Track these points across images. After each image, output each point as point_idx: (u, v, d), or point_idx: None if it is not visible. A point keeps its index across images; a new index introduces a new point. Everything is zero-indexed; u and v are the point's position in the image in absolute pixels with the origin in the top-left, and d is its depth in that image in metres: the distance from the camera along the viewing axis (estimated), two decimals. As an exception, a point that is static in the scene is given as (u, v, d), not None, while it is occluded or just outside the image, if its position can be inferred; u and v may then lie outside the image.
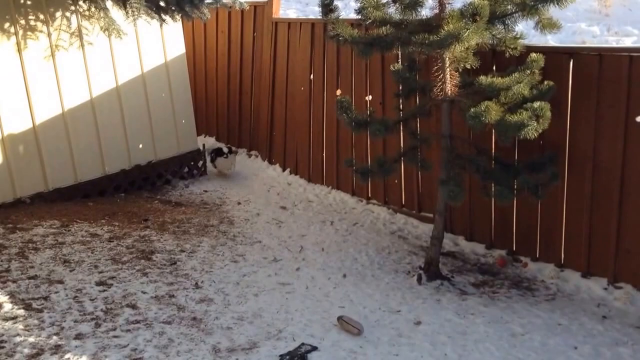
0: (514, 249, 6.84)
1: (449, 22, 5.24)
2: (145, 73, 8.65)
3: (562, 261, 6.44)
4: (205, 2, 7.20)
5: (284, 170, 9.67)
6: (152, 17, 6.99)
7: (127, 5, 6.49)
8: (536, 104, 5.27)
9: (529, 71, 5.61)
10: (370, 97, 8.03)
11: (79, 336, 4.89)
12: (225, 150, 9.55)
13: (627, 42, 10.92)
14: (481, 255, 6.99)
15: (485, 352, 4.97)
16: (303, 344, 4.99)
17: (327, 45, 8.50)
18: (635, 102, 5.70)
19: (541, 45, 6.14)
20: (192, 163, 9.55)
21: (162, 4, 7.10)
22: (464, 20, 5.14)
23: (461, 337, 5.19)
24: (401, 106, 7.10)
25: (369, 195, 8.44)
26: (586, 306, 5.82)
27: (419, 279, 6.28)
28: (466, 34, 5.06)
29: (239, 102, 10.41)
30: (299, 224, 7.81)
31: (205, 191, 9.08)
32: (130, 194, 8.67)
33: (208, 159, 9.66)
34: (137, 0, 6.36)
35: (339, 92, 8.38)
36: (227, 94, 10.60)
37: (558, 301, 5.93)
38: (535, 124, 5.25)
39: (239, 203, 8.57)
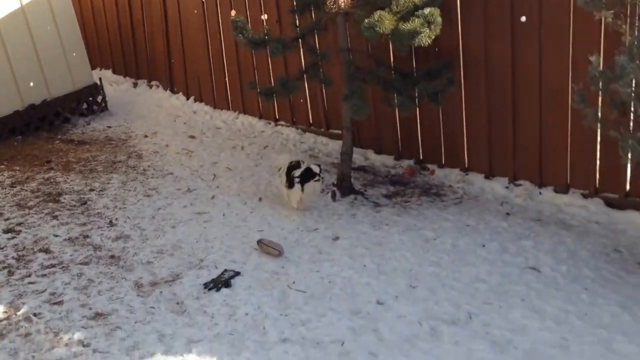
0: (421, 158, 7.07)
1: None
2: (24, 5, 8.12)
3: (467, 165, 6.72)
4: None
5: (187, 98, 9.47)
6: None
7: None
8: (427, 10, 5.33)
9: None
10: (266, 15, 7.88)
11: (-8, 286, 4.77)
12: (317, 169, 6.00)
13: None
14: (391, 167, 7.18)
15: (401, 259, 5.20)
16: (226, 270, 5.07)
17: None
18: (518, 2, 5.87)
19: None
20: (91, 99, 9.20)
21: None
22: None
23: (378, 248, 5.40)
24: (297, 22, 7.00)
25: (277, 117, 8.43)
26: (491, 206, 6.14)
27: (333, 196, 6.41)
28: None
29: (131, 32, 10.00)
30: (209, 152, 7.74)
31: (109, 127, 8.80)
32: (27, 136, 8.30)
33: (282, 179, 6.18)
34: None
35: (233, 12, 8.14)
36: (119, 26, 10.15)
37: (465, 204, 6.23)
38: (427, 31, 5.32)
39: (146, 136, 8.37)
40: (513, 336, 4.18)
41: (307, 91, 7.86)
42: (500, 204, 6.16)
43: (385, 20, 5.38)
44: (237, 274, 5.03)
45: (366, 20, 5.43)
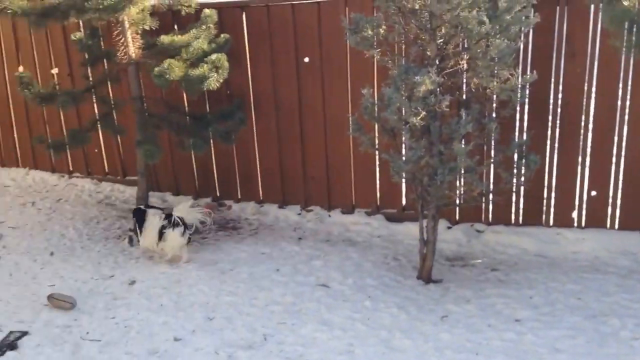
0: (218, 195, 7.20)
1: (121, -14, 5.25)
2: None
3: (261, 197, 6.95)
4: None
5: (-29, 159, 8.89)
6: None
7: None
8: (214, 57, 5.60)
9: (204, 26, 5.90)
10: (57, 69, 7.70)
11: None
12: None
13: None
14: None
15: (198, 293, 5.24)
16: (11, 332, 4.81)
17: (1, 21, 7.89)
18: (303, 45, 6.29)
19: (215, 1, 6.44)
20: None
21: None
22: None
23: (176, 286, 5.39)
24: (90, 75, 6.93)
25: (71, 169, 8.18)
26: (285, 233, 6.40)
27: (130, 241, 6.32)
28: (137, -5, 5.13)
29: None
30: (-4, 212, 7.32)
31: None
32: None
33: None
34: None
35: (20, 68, 7.88)
36: None
37: (260, 233, 6.43)
38: (215, 75, 5.59)
39: None
40: (305, 350, 4.37)
41: (101, 141, 7.73)
42: (293, 230, 6.43)
43: (175, 68, 5.53)
44: (25, 333, 4.78)
45: (156, 69, 5.55)
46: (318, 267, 5.57)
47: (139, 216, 5.96)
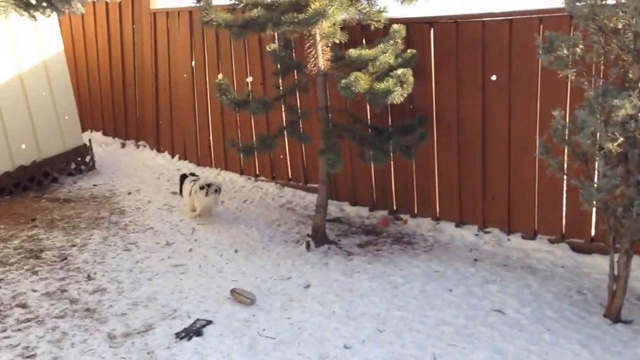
0: (395, 208, 7.26)
1: (315, 1, 5.49)
2: (22, 72, 8.44)
3: (438, 214, 6.90)
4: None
5: (172, 157, 9.70)
6: (22, 15, 6.83)
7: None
8: (399, 71, 5.65)
9: (392, 41, 6.00)
10: (251, 78, 8.22)
11: (-33, 340, 4.86)
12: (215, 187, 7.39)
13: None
14: (365, 217, 7.35)
15: (369, 304, 5.32)
16: (198, 319, 5.17)
17: (206, 31, 8.57)
18: (490, 62, 6.17)
19: (404, 17, 6.53)
20: (79, 159, 9.41)
21: (32, 0, 6.93)
22: (326, -1, 5.43)
23: (348, 294, 5.51)
24: (280, 84, 7.30)
25: (257, 172, 8.64)
26: (460, 252, 6.30)
27: (308, 246, 6.55)
28: (331, 10, 5.36)
29: (123, 94, 10.30)
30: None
31: (95, 185, 8.99)
32: (15, 195, 8.47)
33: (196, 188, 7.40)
34: (5, -2, 6.23)
35: (220, 75, 8.49)
36: (111, 88, 10.46)
37: (435, 251, 6.38)
38: (400, 89, 5.65)
39: (130, 193, 8.55)
40: (474, 376, 4.28)
41: (287, 147, 8.10)
42: (469, 251, 6.31)
43: (360, 81, 5.69)
44: (209, 322, 5.13)
45: (343, 81, 5.74)
46: (493, 292, 5.42)
47: (181, 180, 7.82)
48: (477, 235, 6.56)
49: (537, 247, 6.16)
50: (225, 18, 6.01)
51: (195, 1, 6.11)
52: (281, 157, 8.23)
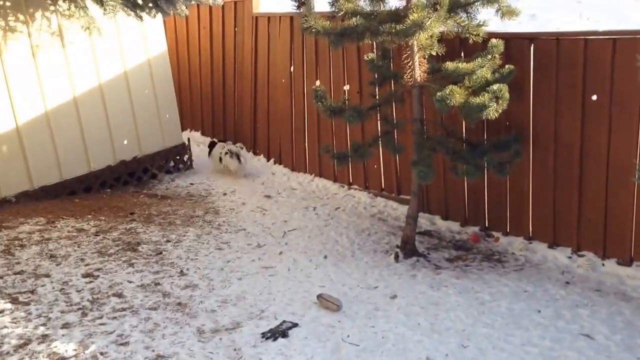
0: (487, 225, 7.14)
1: (413, 12, 5.51)
2: (127, 70, 8.89)
3: (531, 234, 6.74)
4: (180, -1, 7.42)
5: (268, 160, 9.93)
6: (129, 14, 7.23)
7: (104, 3, 6.74)
8: (495, 86, 5.57)
9: (490, 56, 5.92)
10: (348, 86, 8.31)
11: (65, 325, 5.15)
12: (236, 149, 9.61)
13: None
14: (456, 232, 7.28)
15: (455, 319, 5.27)
16: (284, 321, 5.28)
17: (306, 38, 8.73)
18: (591, 82, 6.00)
19: (503, 31, 6.43)
20: (178, 157, 9.80)
21: (139, 0, 7.32)
22: (426, 10, 5.41)
23: (434, 308, 5.49)
24: (377, 94, 7.35)
25: (350, 181, 8.71)
26: (551, 274, 6.14)
27: (396, 257, 6.56)
28: (429, 22, 5.35)
29: (222, 96, 10.65)
30: (282, 211, 8.08)
31: (192, 184, 9.33)
32: (116, 189, 8.91)
33: (222, 153, 9.55)
34: (113, -3, 6.63)
35: (318, 82, 8.65)
36: (211, 89, 10.83)
37: (526, 271, 6.24)
38: (495, 105, 5.55)
39: (225, 194, 8.82)
40: (560, 401, 4.17)
41: (381, 157, 8.13)
42: (561, 273, 6.14)
43: (456, 94, 5.67)
44: (295, 325, 5.23)
45: (438, 94, 5.73)
46: (583, 316, 5.26)
47: (211, 146, 9.90)
48: (570, 257, 6.36)
49: (633, 275, 5.90)
50: (324, 25, 6.11)
51: (296, 7, 6.23)
52: (375, 167, 8.27)
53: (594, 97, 5.99)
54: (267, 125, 9.85)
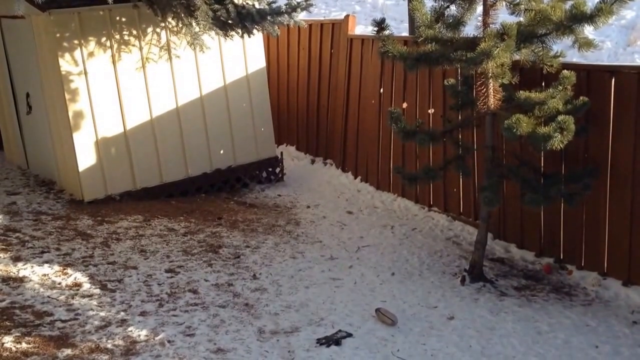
0: (562, 257, 7.06)
1: (485, 41, 5.64)
2: (227, 84, 9.45)
3: (605, 270, 6.61)
4: (268, 19, 7.86)
5: (355, 177, 10.18)
6: (217, 33, 7.79)
7: (198, 23, 7.33)
8: (560, 118, 5.57)
9: (561, 87, 5.91)
10: (433, 110, 8.46)
11: (143, 313, 5.66)
12: None
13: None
14: (529, 262, 7.24)
15: (508, 345, 5.32)
16: (340, 330, 5.52)
17: (396, 62, 8.94)
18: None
19: (582, 63, 6.40)
20: (270, 169, 10.25)
21: (228, 20, 7.84)
22: (495, 40, 5.53)
23: (489, 332, 5.55)
24: (458, 118, 7.47)
25: (431, 202, 8.82)
26: (620, 312, 6.02)
27: (462, 280, 6.64)
28: (496, 51, 5.46)
29: (316, 113, 11.03)
30: (360, 227, 8.32)
31: (279, 195, 9.75)
32: (210, 195, 9.46)
33: None
34: (203, 17, 7.16)
35: (405, 104, 8.85)
36: (307, 106, 11.24)
37: (593, 306, 6.16)
38: (559, 136, 5.55)
39: (309, 207, 9.16)
40: None
41: (460, 181, 8.21)
42: (631, 312, 6.00)
43: (522, 123, 5.72)
44: (350, 335, 5.46)
45: (506, 122, 5.81)
46: (642, 356, 5.16)
47: None
48: (644, 297, 6.20)
49: None
50: (400, 50, 6.33)
51: (375, 32, 6.49)
52: (454, 190, 8.35)
53: (673, 135, 5.87)
54: (356, 144, 10.12)
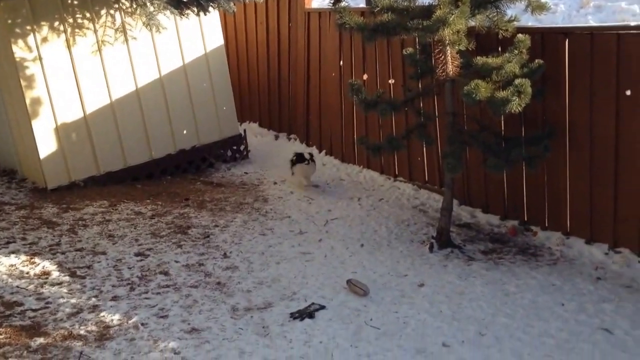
0: (526, 219, 7.21)
1: (440, 8, 5.67)
2: (186, 64, 9.34)
3: (569, 229, 6.78)
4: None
5: (320, 151, 10.20)
6: (172, 12, 7.69)
7: (152, 2, 7.22)
8: (517, 81, 5.67)
9: (516, 51, 5.99)
10: (393, 80, 8.50)
11: (114, 298, 5.65)
12: (307, 156, 8.78)
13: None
14: (495, 226, 7.37)
15: (477, 308, 5.45)
16: (313, 303, 5.58)
17: (354, 34, 8.94)
18: (625, 76, 6.00)
19: (535, 26, 6.49)
20: (235, 147, 10.21)
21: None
22: (449, 6, 5.57)
23: (458, 297, 5.67)
24: (417, 87, 7.51)
25: (396, 173, 8.90)
26: (584, 269, 6.19)
27: (431, 247, 6.74)
28: (452, 18, 5.51)
29: (278, 89, 11.00)
30: (328, 201, 8.36)
31: (246, 173, 9.73)
32: (175, 176, 9.40)
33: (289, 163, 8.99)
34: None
35: (365, 76, 8.88)
36: (268, 82, 11.20)
37: (559, 265, 6.31)
38: (517, 100, 5.65)
39: (275, 183, 9.17)
40: (564, 389, 4.31)
41: (424, 150, 8.29)
42: (594, 269, 6.17)
43: (481, 89, 5.80)
44: (323, 307, 5.52)
45: (465, 88, 5.88)
46: (607, 311, 5.33)
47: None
48: (607, 254, 6.35)
49: (668, 272, 5.90)
50: (357, 21, 6.34)
51: (332, 4, 6.48)
52: (419, 159, 8.43)
53: (628, 93, 5.99)
54: (319, 117, 10.14)
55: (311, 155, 8.79)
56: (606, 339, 4.91)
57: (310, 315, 5.39)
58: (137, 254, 6.57)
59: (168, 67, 9.17)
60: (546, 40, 6.42)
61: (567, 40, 6.38)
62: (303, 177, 8.77)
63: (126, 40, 8.64)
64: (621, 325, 5.09)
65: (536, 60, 6.14)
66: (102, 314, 5.35)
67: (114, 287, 5.86)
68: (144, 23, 7.90)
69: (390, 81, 8.50)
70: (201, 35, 9.45)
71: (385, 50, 8.51)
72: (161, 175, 9.33)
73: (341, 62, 9.40)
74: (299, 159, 8.77)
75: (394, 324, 5.24)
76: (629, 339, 4.91)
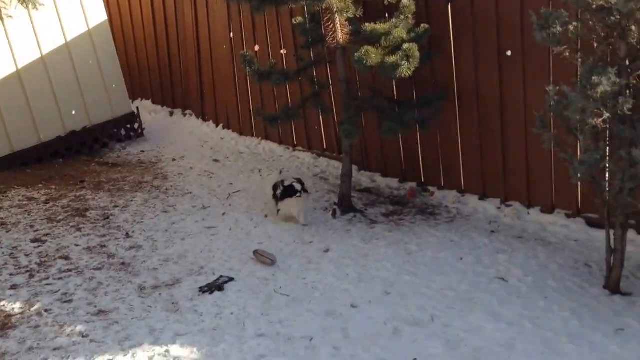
0: (423, 180, 7.48)
1: (323, -25, 5.74)
2: (69, 42, 8.96)
3: (463, 187, 7.10)
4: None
5: (217, 125, 10.11)
6: None
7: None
8: (405, 46, 5.84)
9: (402, 16, 6.15)
10: (285, 50, 8.50)
11: (13, 287, 5.44)
12: (298, 187, 6.59)
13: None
14: (395, 189, 7.61)
15: (381, 269, 5.63)
16: (221, 276, 5.58)
17: (242, 5, 8.85)
18: (505, 38, 6.30)
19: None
20: (129, 126, 9.93)
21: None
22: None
23: (363, 259, 5.83)
24: (309, 56, 7.56)
25: (295, 143, 8.97)
26: (479, 224, 6.52)
27: (334, 214, 6.87)
28: (337, -15, 5.59)
29: (168, 64, 10.75)
30: (228, 174, 8.33)
31: (142, 151, 9.51)
32: (68, 159, 9.06)
33: (271, 194, 6.92)
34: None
35: (257, 47, 8.83)
36: (157, 58, 10.92)
37: (456, 222, 6.61)
38: (407, 64, 5.83)
39: (174, 160, 9.02)
40: (467, 336, 4.56)
41: (321, 119, 8.38)
42: (488, 223, 6.52)
43: (371, 55, 5.94)
44: (231, 279, 5.54)
45: (356, 55, 5.99)
46: (501, 262, 5.66)
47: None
48: (499, 208, 6.72)
49: (554, 221, 6.31)
50: None
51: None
52: (316, 127, 8.53)
53: (509, 53, 6.29)
54: (213, 91, 10.02)
55: (302, 183, 6.68)
56: (502, 287, 5.23)
57: (220, 288, 5.40)
58: (33, 240, 6.32)
59: (50, 46, 8.78)
60: (430, 5, 6.63)
61: (449, 4, 6.61)
62: (296, 214, 6.68)
63: (1, 19, 8.17)
64: (515, 274, 5.43)
65: (422, 25, 6.32)
66: (1, 304, 5.14)
67: (12, 275, 5.63)
68: (19, 0, 7.51)
69: (282, 51, 8.50)
70: (82, 12, 9.09)
71: (275, 20, 8.50)
72: (52, 158, 8.97)
73: (231, 34, 9.30)
74: (287, 191, 6.63)
75: (303, 290, 5.33)
76: (522, 285, 5.24)
